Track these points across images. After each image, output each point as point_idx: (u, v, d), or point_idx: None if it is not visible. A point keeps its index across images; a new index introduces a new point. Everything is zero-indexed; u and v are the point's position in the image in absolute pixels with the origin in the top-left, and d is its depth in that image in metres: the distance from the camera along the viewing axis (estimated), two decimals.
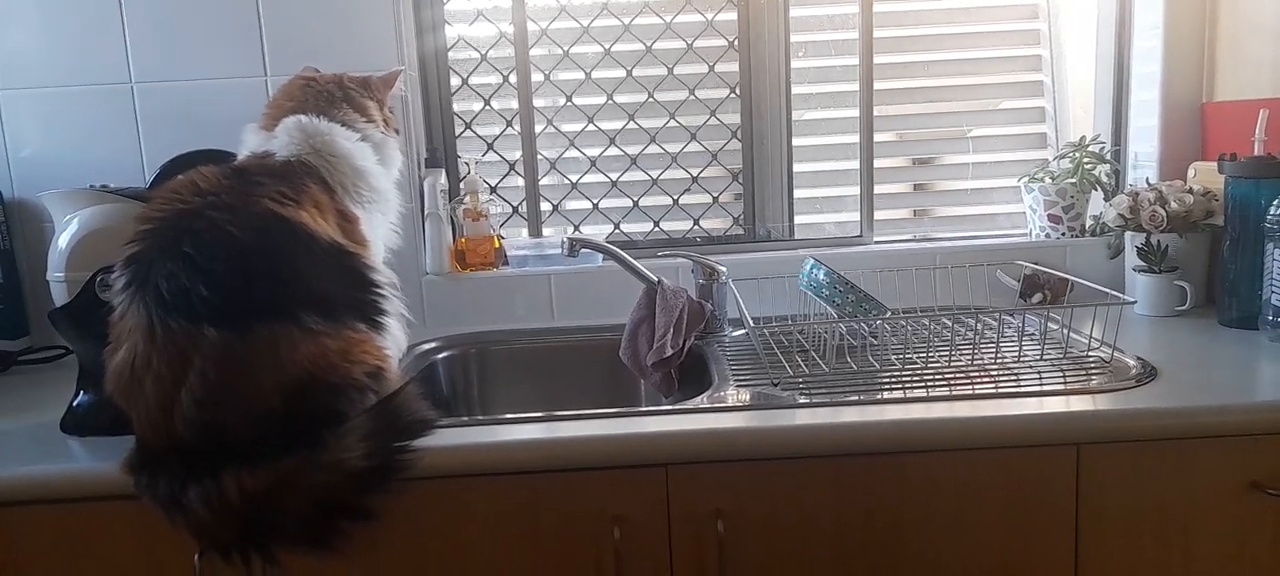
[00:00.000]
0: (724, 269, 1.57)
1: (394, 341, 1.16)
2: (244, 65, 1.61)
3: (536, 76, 1.81)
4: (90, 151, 1.62)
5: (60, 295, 1.22)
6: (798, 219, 1.88)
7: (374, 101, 1.34)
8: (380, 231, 1.27)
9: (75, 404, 1.19)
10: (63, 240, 1.23)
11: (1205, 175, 1.57)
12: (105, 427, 1.12)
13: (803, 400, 1.16)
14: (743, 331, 1.54)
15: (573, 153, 1.85)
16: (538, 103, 1.83)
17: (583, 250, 1.53)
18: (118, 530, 1.06)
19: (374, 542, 1.04)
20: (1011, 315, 1.50)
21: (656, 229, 1.88)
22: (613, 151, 1.85)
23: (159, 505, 0.98)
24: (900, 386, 1.21)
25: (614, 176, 1.86)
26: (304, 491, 0.98)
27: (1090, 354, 1.29)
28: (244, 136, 1.25)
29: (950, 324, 1.51)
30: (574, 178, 1.86)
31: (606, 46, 1.81)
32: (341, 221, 1.17)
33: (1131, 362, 1.24)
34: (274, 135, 1.21)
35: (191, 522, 0.97)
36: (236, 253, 1.02)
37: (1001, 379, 1.21)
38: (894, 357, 1.34)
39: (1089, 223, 1.77)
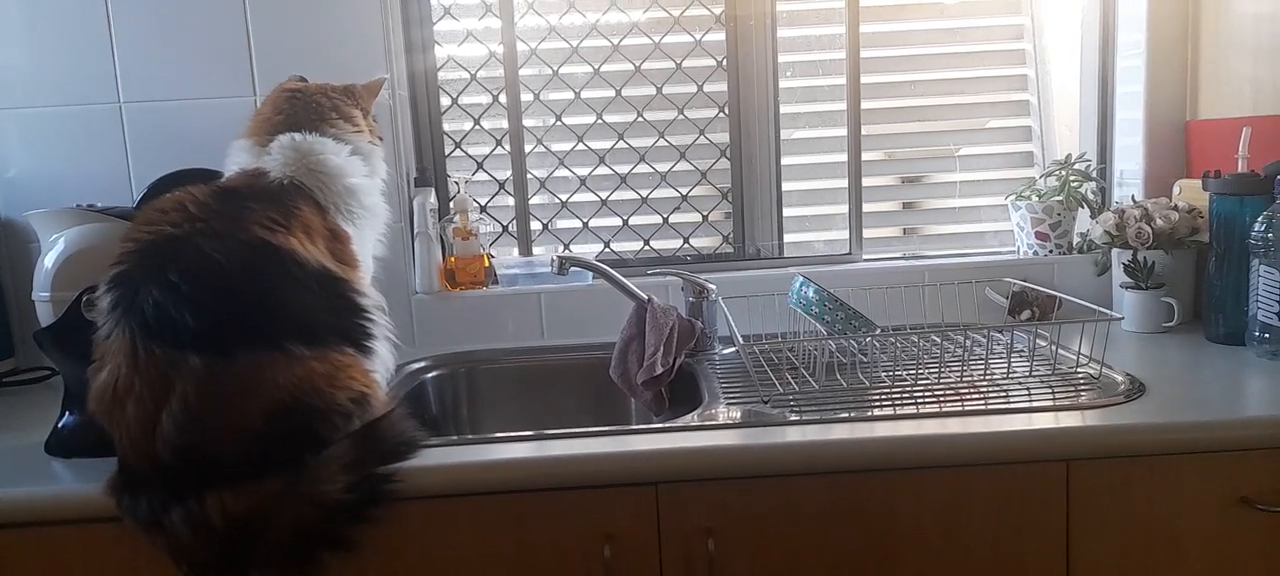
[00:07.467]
0: (714, 287, 1.58)
1: (382, 364, 1.16)
2: (232, 85, 1.61)
3: (526, 96, 1.82)
4: (77, 171, 1.62)
5: (46, 315, 1.21)
6: (787, 237, 1.88)
7: (360, 109, 1.34)
8: (369, 244, 1.27)
9: (60, 425, 1.18)
10: (49, 259, 1.22)
11: (1190, 192, 1.59)
12: (91, 449, 1.10)
13: (793, 418, 1.16)
14: (733, 349, 1.54)
15: (562, 172, 1.85)
16: (527, 122, 1.83)
17: (573, 269, 1.53)
18: (103, 553, 1.05)
19: (360, 565, 1.03)
20: (1000, 332, 1.51)
21: (646, 247, 1.88)
22: (602, 170, 1.85)
23: (140, 526, 0.98)
24: (890, 403, 1.21)
25: (604, 195, 1.86)
26: (284, 522, 0.97)
27: (1079, 370, 1.30)
28: (232, 152, 1.25)
29: (939, 341, 1.51)
30: (564, 197, 1.86)
31: (595, 66, 1.82)
32: (332, 242, 1.17)
33: (1120, 379, 1.24)
34: (268, 153, 1.20)
35: (172, 544, 0.96)
36: (223, 282, 1.02)
37: (991, 395, 1.21)
38: (884, 375, 1.34)
39: (1076, 240, 1.78)
